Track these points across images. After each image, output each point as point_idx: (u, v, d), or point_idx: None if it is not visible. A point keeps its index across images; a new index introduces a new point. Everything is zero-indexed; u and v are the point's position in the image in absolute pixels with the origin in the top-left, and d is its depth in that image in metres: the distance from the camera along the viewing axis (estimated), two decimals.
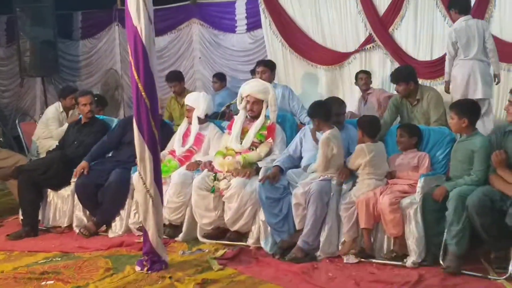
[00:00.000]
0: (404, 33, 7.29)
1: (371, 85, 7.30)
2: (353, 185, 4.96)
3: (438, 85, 6.80)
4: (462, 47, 6.15)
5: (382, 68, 7.65)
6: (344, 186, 4.92)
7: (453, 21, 6.40)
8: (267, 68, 6.54)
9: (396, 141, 5.11)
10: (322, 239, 4.83)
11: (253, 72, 7.96)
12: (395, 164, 5.01)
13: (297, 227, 4.96)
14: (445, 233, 4.47)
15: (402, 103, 5.92)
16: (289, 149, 5.40)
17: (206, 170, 5.43)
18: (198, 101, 5.94)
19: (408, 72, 5.90)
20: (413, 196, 4.64)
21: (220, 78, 8.76)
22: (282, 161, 5.25)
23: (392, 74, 6.10)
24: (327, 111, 5.08)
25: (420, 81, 6.20)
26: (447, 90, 6.27)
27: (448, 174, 4.88)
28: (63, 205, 6.01)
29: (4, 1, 9.86)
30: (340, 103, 5.44)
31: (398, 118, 5.99)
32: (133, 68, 4.42)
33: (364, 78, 7.26)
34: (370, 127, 5.01)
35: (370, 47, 7.74)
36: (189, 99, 6.01)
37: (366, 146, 4.90)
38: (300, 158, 5.35)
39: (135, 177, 5.33)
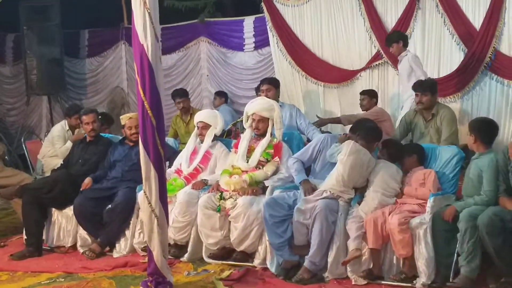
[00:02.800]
0: (412, 50, 7.25)
1: (375, 105, 7.21)
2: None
3: (446, 103, 6.74)
4: (421, 75, 6.46)
5: (391, 86, 7.61)
6: (354, 208, 4.83)
7: (395, 53, 6.84)
8: (271, 86, 6.49)
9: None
10: (330, 259, 4.75)
11: (257, 90, 7.94)
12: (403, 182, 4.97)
13: (295, 242, 4.88)
14: (455, 254, 4.39)
15: (416, 119, 5.89)
16: (302, 156, 5.34)
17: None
18: (216, 118, 5.93)
19: (433, 83, 5.95)
20: (423, 216, 4.56)
21: (223, 94, 9.07)
22: (301, 171, 5.22)
23: (418, 84, 6.04)
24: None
25: None
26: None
27: (459, 193, 4.81)
28: (67, 224, 5.96)
29: (11, 19, 9.90)
30: None
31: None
32: (139, 86, 4.38)
33: (364, 98, 7.18)
34: (394, 150, 5.09)
35: (377, 64, 7.69)
36: (205, 116, 5.96)
37: (376, 160, 4.92)
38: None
39: (140, 196, 5.27)
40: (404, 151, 5.11)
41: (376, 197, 4.78)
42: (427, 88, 5.81)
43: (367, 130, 5.08)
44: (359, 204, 4.83)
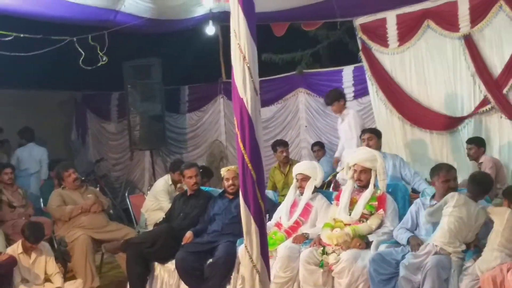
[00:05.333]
0: None
1: (484, 154, 6.85)
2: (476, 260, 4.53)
3: None
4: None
5: (499, 132, 7.19)
6: (468, 263, 4.50)
7: (336, 112, 7.52)
8: (373, 135, 6.34)
9: None
10: None
11: None
12: None
13: None
14: None
15: None
16: (404, 225, 5.10)
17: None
18: (315, 169, 5.84)
19: None
20: None
21: (322, 146, 8.92)
22: (407, 232, 4.99)
23: None
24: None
25: None
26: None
27: None
28: (169, 278, 5.96)
29: (116, 79, 10.35)
30: (448, 169, 5.09)
31: None
32: (239, 139, 4.36)
33: (471, 148, 6.86)
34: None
35: (484, 111, 7.29)
36: (304, 168, 5.89)
37: (510, 213, 4.52)
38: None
39: (241, 251, 5.19)
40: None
41: (499, 257, 4.38)
42: None
43: (476, 185, 4.82)
44: (475, 260, 4.50)
